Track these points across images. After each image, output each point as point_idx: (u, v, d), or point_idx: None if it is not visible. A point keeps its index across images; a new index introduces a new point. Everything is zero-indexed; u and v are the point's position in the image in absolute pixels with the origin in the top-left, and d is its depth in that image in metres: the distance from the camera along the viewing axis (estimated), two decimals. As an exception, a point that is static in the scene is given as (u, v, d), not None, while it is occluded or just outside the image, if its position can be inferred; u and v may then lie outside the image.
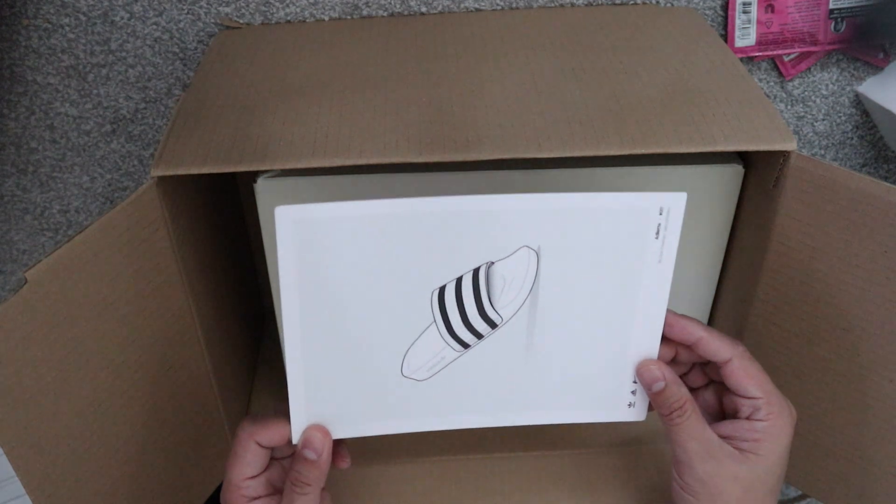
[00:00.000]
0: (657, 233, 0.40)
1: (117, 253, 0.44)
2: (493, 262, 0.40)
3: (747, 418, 0.42)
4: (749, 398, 0.42)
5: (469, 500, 0.55)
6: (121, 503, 0.48)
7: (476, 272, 0.40)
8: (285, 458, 0.44)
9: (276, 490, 0.43)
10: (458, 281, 0.40)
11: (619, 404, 0.44)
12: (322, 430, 0.41)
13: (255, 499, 0.42)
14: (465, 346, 0.42)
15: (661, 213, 0.40)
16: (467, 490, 0.56)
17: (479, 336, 0.42)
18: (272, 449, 0.43)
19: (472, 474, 0.56)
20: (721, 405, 0.45)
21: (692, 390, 0.44)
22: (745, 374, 0.41)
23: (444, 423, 0.44)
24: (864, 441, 0.50)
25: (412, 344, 0.41)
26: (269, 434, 0.41)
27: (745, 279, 0.52)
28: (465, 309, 0.41)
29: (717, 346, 0.42)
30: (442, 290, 0.40)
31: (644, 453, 0.57)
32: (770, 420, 0.41)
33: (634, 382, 0.44)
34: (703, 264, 0.55)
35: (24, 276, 0.39)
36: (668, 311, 0.42)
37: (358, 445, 0.58)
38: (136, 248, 0.45)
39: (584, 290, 0.41)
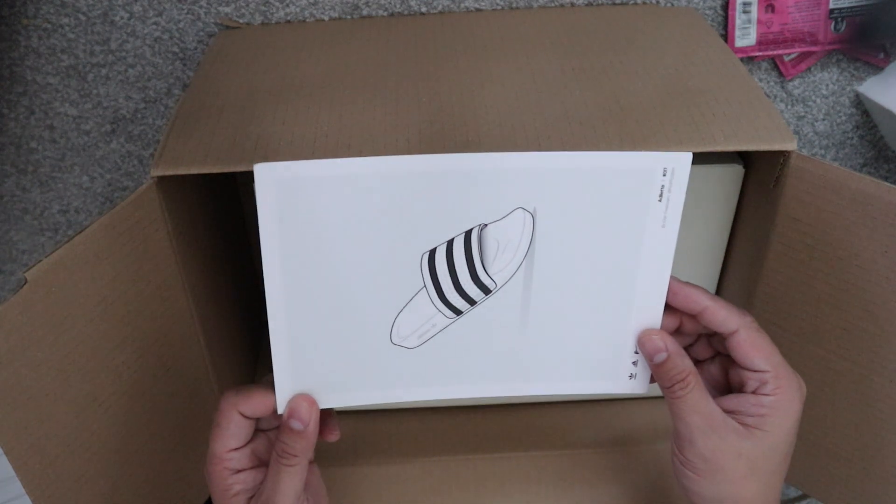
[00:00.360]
0: (660, 195, 0.39)
1: (117, 253, 0.44)
2: (486, 225, 0.39)
3: (753, 392, 0.40)
4: (756, 371, 0.40)
5: (469, 500, 0.55)
6: (121, 503, 0.48)
7: (468, 235, 0.39)
8: (271, 429, 0.43)
9: (262, 462, 0.42)
10: (450, 244, 0.39)
11: (620, 375, 0.43)
12: (308, 399, 0.40)
13: (240, 471, 0.41)
14: (458, 312, 0.40)
15: (664, 175, 0.38)
16: (467, 490, 0.55)
17: (471, 302, 0.40)
18: (257, 420, 0.42)
19: (472, 474, 0.56)
20: (727, 379, 0.43)
21: (697, 363, 0.42)
22: (752, 346, 0.40)
23: (434, 392, 0.42)
24: (865, 441, 0.50)
25: (401, 310, 0.40)
26: (253, 404, 0.40)
27: (746, 279, 0.52)
28: (457, 273, 0.40)
29: (724, 316, 0.40)
30: (432, 254, 0.39)
31: (644, 453, 0.57)
32: (777, 395, 0.39)
33: (636, 353, 0.42)
34: (703, 264, 0.55)
35: (24, 276, 0.39)
36: (673, 278, 0.40)
37: (357, 445, 0.58)
38: (136, 248, 0.45)
39: (582, 255, 0.40)
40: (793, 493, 0.75)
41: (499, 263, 0.40)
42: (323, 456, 0.45)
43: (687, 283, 0.41)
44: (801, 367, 0.51)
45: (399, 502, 0.55)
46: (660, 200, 0.39)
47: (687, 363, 0.40)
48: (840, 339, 0.48)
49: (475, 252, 0.39)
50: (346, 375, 0.41)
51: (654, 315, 0.41)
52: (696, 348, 0.44)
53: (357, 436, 0.58)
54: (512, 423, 0.59)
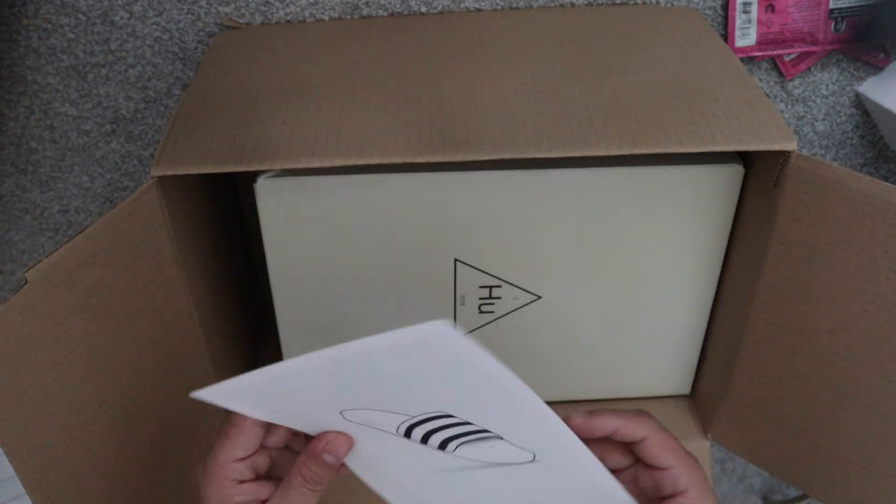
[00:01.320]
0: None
1: (117, 253, 0.44)
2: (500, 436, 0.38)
3: (672, 497, 0.41)
4: (666, 469, 0.41)
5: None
6: (121, 503, 0.48)
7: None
8: (275, 448, 0.42)
9: (260, 478, 0.42)
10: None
11: None
12: (347, 438, 0.41)
13: (241, 483, 0.41)
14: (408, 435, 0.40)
15: None
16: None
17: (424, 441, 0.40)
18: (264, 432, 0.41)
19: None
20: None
21: (617, 471, 0.42)
22: (661, 446, 0.41)
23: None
24: (864, 441, 0.50)
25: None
26: None
27: (746, 279, 0.52)
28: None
29: (634, 428, 0.41)
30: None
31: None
32: (692, 486, 0.40)
33: None
34: (703, 264, 0.55)
35: (24, 276, 0.39)
36: (581, 413, 0.41)
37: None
38: (136, 248, 0.45)
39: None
40: (793, 493, 0.75)
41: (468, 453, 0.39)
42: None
43: (594, 412, 0.41)
44: (802, 367, 0.51)
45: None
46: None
47: None
48: (840, 339, 0.48)
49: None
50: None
51: None
52: (615, 456, 0.43)
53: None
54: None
